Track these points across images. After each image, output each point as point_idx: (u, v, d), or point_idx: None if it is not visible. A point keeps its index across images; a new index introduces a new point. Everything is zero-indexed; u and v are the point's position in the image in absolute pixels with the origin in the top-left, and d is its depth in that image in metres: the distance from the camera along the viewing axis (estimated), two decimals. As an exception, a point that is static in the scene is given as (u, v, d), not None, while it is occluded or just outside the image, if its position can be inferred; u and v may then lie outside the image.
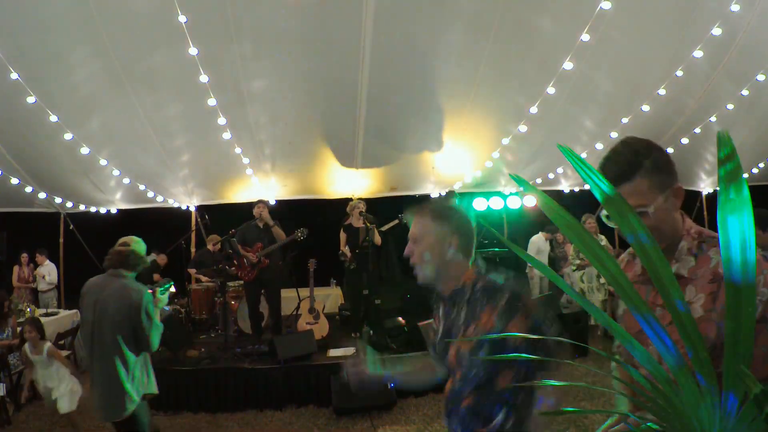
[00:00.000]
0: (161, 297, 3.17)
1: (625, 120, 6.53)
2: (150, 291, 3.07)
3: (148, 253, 7.96)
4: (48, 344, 4.04)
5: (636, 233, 0.57)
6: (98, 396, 2.87)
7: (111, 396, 2.83)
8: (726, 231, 0.48)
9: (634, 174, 1.14)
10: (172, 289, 7.73)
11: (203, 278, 7.11)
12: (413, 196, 8.88)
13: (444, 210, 1.56)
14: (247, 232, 5.92)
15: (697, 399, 0.53)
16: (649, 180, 1.13)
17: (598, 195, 0.60)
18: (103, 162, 6.55)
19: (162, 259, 8.07)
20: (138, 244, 3.11)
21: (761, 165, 8.44)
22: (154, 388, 3.09)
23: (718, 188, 0.48)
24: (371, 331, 5.50)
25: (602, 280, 6.09)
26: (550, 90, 5.86)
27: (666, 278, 0.56)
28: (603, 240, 7.29)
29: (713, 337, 1.07)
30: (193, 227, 8.44)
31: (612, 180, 1.12)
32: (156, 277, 7.78)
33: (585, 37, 5.04)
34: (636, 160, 1.14)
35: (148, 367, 3.06)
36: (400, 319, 5.96)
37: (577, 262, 6.62)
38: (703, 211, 10.21)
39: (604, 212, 1.15)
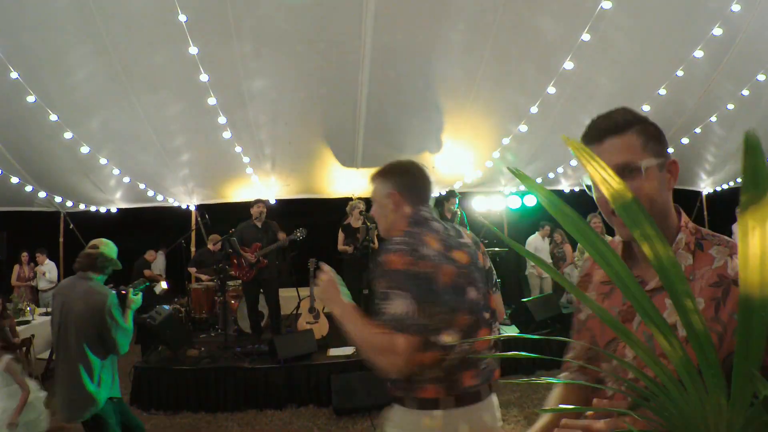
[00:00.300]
0: (134, 298, 3.12)
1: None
2: (123, 292, 3.08)
3: (145, 253, 8.02)
4: (5, 358, 3.41)
5: (641, 225, 0.56)
6: (60, 397, 2.87)
7: (72, 398, 2.83)
8: (746, 238, 0.47)
9: (627, 129, 1.03)
10: (163, 284, 7.76)
11: (203, 277, 7.12)
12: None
13: (387, 169, 1.69)
14: (246, 231, 5.91)
15: (703, 401, 0.52)
16: (643, 139, 1.03)
17: (605, 191, 0.59)
18: (103, 161, 6.55)
19: (151, 255, 8.08)
20: (107, 247, 3.07)
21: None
22: (117, 392, 3.05)
23: (740, 192, 0.47)
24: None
25: None
26: (551, 90, 5.86)
27: (673, 272, 0.55)
28: (609, 239, 7.23)
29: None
30: (193, 226, 8.44)
31: (602, 132, 1.04)
32: (147, 272, 7.80)
33: (585, 36, 5.04)
34: (630, 118, 1.05)
35: (114, 371, 3.04)
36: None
37: (581, 263, 6.44)
38: (703, 211, 10.22)
39: (586, 180, 1.11)
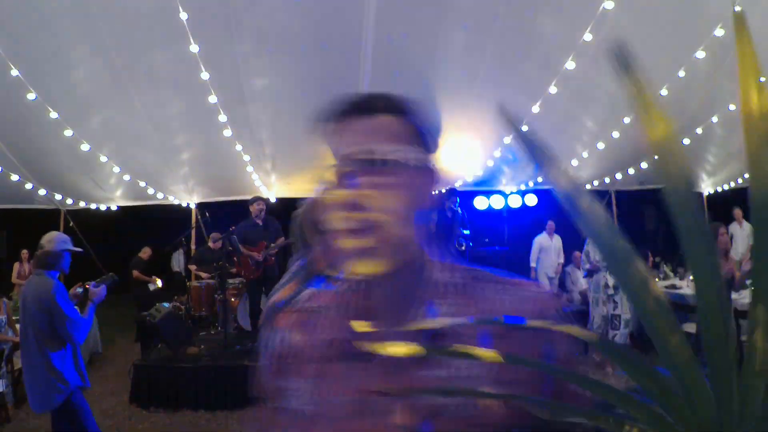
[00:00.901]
0: (95, 290, 3.23)
1: (626, 120, 6.52)
2: (87, 286, 3.23)
3: (140, 250, 8.03)
4: None
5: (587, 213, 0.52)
6: (27, 388, 3.07)
7: (36, 388, 2.99)
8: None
9: (401, 113, 0.82)
10: (159, 282, 7.77)
11: (203, 275, 7.12)
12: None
13: None
14: (248, 230, 5.91)
15: (710, 402, 0.51)
16: (416, 130, 0.82)
17: (537, 163, 0.53)
18: (103, 159, 6.54)
19: (145, 252, 8.09)
20: (51, 242, 3.14)
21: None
22: (85, 382, 3.18)
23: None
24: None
25: (610, 291, 5.76)
26: (552, 89, 5.85)
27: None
28: None
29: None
30: (194, 224, 8.44)
31: (366, 107, 0.82)
32: (135, 274, 7.79)
33: (587, 36, 5.03)
34: (411, 105, 0.84)
35: (77, 360, 3.15)
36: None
37: (587, 266, 6.26)
38: (704, 211, 10.21)
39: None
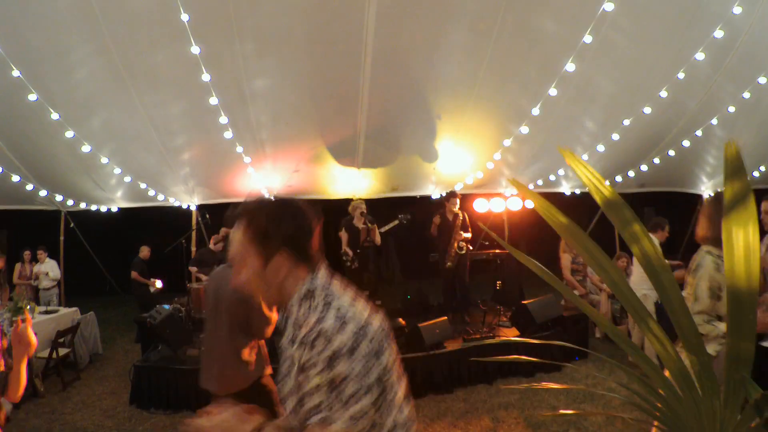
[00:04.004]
0: None
1: (626, 122, 6.53)
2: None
3: (140, 249, 8.03)
4: None
5: (629, 222, 0.56)
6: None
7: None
8: (731, 242, 0.48)
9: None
10: (158, 284, 7.78)
11: (203, 277, 7.11)
12: (414, 197, 8.88)
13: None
14: None
15: (697, 404, 0.53)
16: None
17: (597, 198, 0.59)
18: (104, 160, 6.55)
19: (144, 252, 8.10)
20: None
21: (762, 168, 8.42)
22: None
23: (722, 196, 0.48)
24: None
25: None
26: (552, 91, 5.86)
27: (663, 275, 0.56)
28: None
29: None
30: (194, 226, 8.45)
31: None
32: (133, 275, 7.79)
33: (587, 38, 5.04)
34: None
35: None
36: (400, 320, 5.95)
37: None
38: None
39: None
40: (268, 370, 3.27)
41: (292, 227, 1.26)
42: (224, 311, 3.06)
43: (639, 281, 4.87)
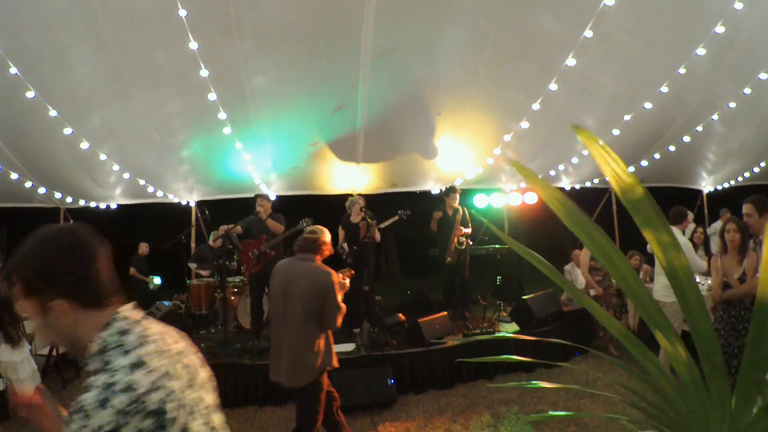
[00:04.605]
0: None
1: (627, 117, 6.51)
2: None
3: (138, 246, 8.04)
4: None
5: (654, 225, 0.55)
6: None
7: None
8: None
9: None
10: (156, 281, 7.78)
11: (203, 273, 7.12)
12: (414, 193, 8.88)
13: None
14: (252, 225, 5.94)
15: (705, 406, 0.52)
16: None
17: (615, 186, 0.58)
18: (103, 157, 6.53)
19: (142, 248, 8.10)
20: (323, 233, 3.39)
21: (762, 164, 8.42)
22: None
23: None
24: (371, 328, 5.51)
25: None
26: (552, 87, 5.84)
27: (685, 281, 0.55)
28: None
29: None
30: (193, 223, 8.44)
31: None
32: (131, 271, 7.80)
33: (588, 33, 5.02)
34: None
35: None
36: (400, 315, 5.97)
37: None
38: (703, 209, 10.21)
39: None
40: (335, 363, 3.31)
41: (62, 269, 1.06)
42: (296, 303, 3.11)
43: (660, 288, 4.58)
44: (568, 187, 9.10)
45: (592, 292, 5.24)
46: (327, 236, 3.39)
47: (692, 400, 0.47)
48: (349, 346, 5.29)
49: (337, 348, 5.23)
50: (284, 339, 3.15)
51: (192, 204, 8.47)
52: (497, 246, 7.46)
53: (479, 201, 8.62)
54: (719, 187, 9.69)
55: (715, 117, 6.60)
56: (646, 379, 0.65)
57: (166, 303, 6.21)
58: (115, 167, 6.86)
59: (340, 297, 3.19)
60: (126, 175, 7.16)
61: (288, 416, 4.55)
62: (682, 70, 5.55)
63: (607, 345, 5.91)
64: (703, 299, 0.57)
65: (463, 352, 5.15)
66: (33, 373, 4.47)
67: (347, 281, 3.46)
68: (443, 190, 7.24)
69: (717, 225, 8.09)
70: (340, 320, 3.18)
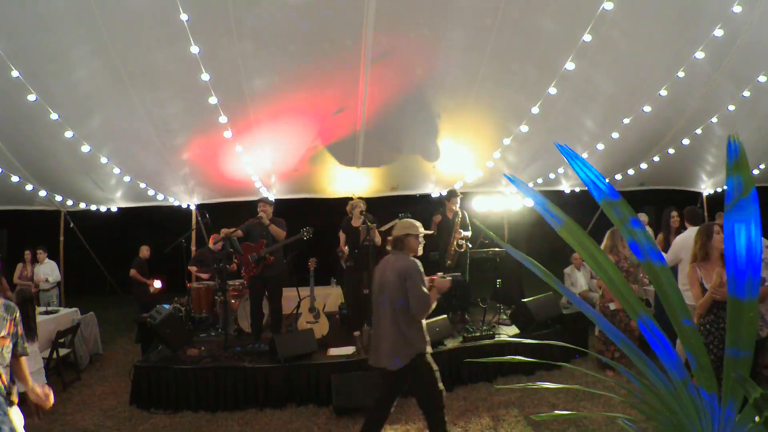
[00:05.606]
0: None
1: (626, 120, 6.53)
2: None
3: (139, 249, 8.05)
4: None
5: (638, 240, 0.56)
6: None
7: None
8: (732, 241, 0.48)
9: None
10: (156, 284, 7.77)
11: (203, 276, 7.11)
12: (414, 196, 8.88)
13: None
14: (253, 229, 5.95)
15: (696, 404, 0.53)
16: None
17: (595, 194, 0.59)
18: (103, 160, 6.54)
19: (143, 251, 8.10)
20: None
21: (762, 166, 8.42)
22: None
23: (725, 194, 0.47)
24: (371, 331, 5.50)
25: None
26: (552, 90, 5.85)
27: (670, 290, 0.56)
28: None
29: None
30: (194, 225, 8.44)
31: None
32: (132, 272, 7.81)
33: (587, 37, 5.04)
34: None
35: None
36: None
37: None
38: (703, 212, 10.20)
39: None
40: (428, 348, 3.48)
41: None
42: (386, 293, 3.40)
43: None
44: (567, 191, 9.10)
45: (612, 306, 5.11)
46: (415, 229, 3.56)
47: (685, 399, 0.48)
48: (349, 349, 5.29)
49: (337, 351, 5.26)
50: (380, 327, 3.46)
51: (192, 207, 8.48)
52: (497, 249, 7.46)
53: (479, 204, 8.62)
54: (719, 190, 9.69)
55: (715, 120, 6.62)
56: (640, 380, 0.65)
57: (166, 306, 6.20)
58: (116, 170, 6.88)
59: (425, 289, 3.34)
60: (127, 178, 7.18)
61: (288, 418, 4.55)
62: (681, 74, 5.57)
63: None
64: (683, 298, 0.58)
65: (463, 355, 5.15)
66: (39, 370, 4.47)
67: (448, 279, 3.56)
68: (444, 193, 7.25)
69: None
70: (425, 309, 3.32)
